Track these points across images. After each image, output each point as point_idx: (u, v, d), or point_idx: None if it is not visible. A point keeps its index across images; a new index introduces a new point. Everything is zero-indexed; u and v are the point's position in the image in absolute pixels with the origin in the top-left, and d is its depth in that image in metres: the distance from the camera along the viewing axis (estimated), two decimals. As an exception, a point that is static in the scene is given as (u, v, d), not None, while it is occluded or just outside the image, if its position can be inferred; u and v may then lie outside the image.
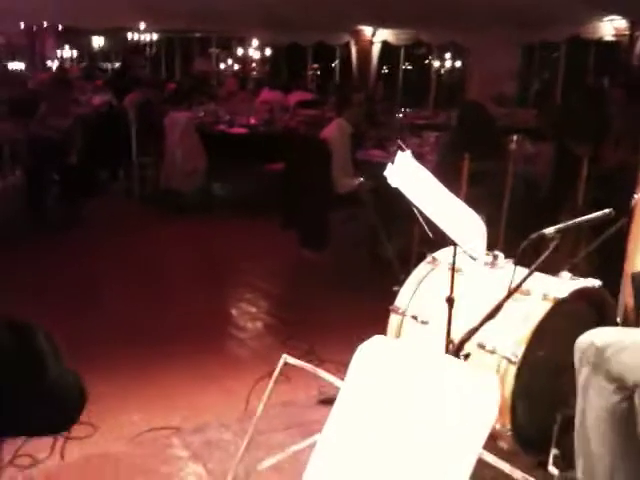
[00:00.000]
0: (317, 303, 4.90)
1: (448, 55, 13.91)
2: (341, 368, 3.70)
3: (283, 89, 11.36)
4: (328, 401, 3.29)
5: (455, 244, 2.45)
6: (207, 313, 4.74)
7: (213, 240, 6.56)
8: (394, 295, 3.14)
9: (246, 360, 4.00)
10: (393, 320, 3.07)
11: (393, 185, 2.42)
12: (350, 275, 5.45)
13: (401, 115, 9.60)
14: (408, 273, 3.21)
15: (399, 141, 4.25)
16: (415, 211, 2.36)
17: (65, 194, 6.62)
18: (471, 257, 2.36)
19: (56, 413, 0.88)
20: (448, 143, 5.06)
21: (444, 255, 3.07)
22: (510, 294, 2.14)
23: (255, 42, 14.30)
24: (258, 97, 10.39)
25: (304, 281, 5.55)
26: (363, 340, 3.98)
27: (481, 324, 2.13)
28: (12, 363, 0.81)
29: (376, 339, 1.62)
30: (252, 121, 8.22)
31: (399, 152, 2.63)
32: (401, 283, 3.16)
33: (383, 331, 3.42)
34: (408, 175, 2.48)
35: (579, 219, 2.10)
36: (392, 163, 2.45)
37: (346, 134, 5.54)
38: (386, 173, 2.44)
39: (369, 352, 1.39)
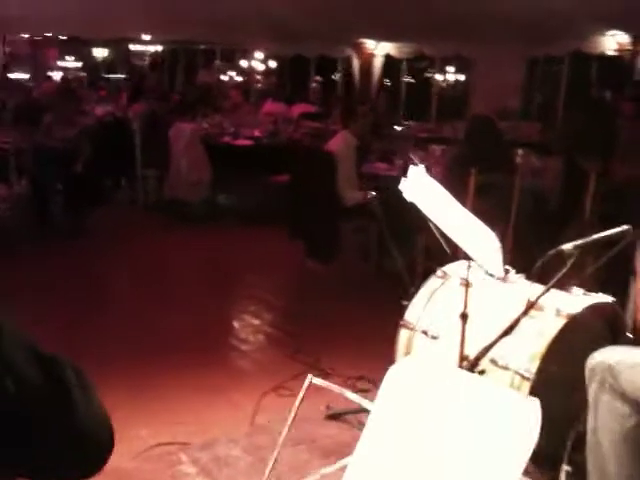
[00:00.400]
0: (323, 315, 4.87)
1: (451, 69, 13.93)
2: (348, 382, 3.70)
3: (286, 101, 11.38)
4: (336, 417, 3.26)
5: (470, 259, 2.44)
6: (212, 324, 4.72)
7: (218, 251, 6.54)
8: (401, 308, 3.12)
9: (252, 373, 3.98)
10: (403, 335, 3.05)
11: (408, 200, 2.41)
12: (356, 287, 5.42)
13: (404, 128, 9.62)
14: (416, 287, 3.19)
15: (411, 155, 4.26)
16: (431, 225, 2.35)
17: (70, 203, 6.61)
18: (488, 273, 2.34)
19: (85, 455, 0.83)
20: (456, 156, 5.05)
21: (454, 269, 3.05)
22: (528, 310, 2.12)
23: (258, 54, 14.35)
24: (262, 109, 10.41)
25: (310, 293, 5.53)
26: (371, 353, 3.97)
27: (497, 340, 2.11)
28: (40, 401, 0.77)
29: (407, 361, 1.60)
30: (257, 133, 8.23)
31: (411, 166, 2.63)
32: (410, 297, 3.15)
33: (391, 345, 3.40)
34: (423, 190, 2.47)
35: (597, 235, 2.08)
36: (398, 176, 2.44)
37: (352, 146, 5.54)
38: (401, 187, 2.43)
39: (400, 374, 1.37)
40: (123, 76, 16.07)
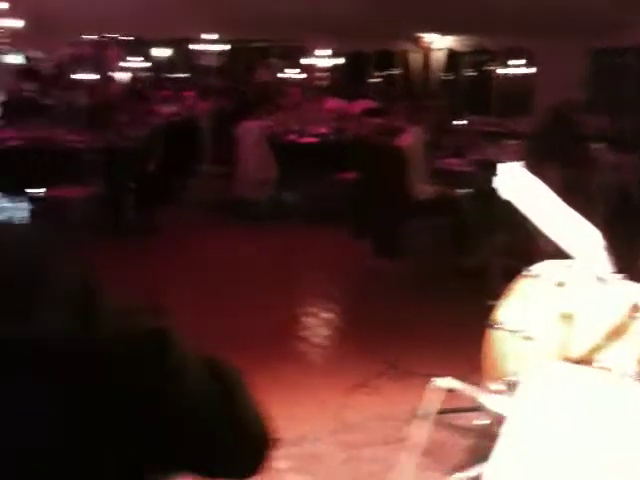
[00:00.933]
0: (396, 314, 4.84)
1: (512, 62, 13.67)
2: (428, 381, 3.66)
3: (347, 97, 11.36)
4: (425, 417, 3.23)
5: (570, 257, 2.40)
6: (284, 322, 4.75)
7: (285, 248, 6.58)
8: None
9: (331, 370, 3.98)
10: (492, 335, 3.01)
11: (503, 197, 2.38)
12: (427, 285, 5.37)
13: (467, 123, 9.48)
14: (501, 286, 3.15)
15: (492, 151, 4.20)
16: (534, 224, 2.31)
17: (141, 202, 6.74)
18: (593, 273, 2.30)
19: (249, 451, 0.85)
20: (533, 151, 4.96)
21: (545, 268, 3.00)
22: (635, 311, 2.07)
23: (317, 51, 14.36)
24: (323, 106, 10.41)
25: (379, 291, 5.49)
26: (452, 353, 3.94)
27: (605, 341, 2.07)
28: (212, 402, 0.79)
29: (550, 364, 1.57)
30: (322, 130, 8.23)
31: (501, 164, 2.59)
32: (497, 297, 3.10)
33: (472, 345, 3.37)
34: (519, 187, 2.43)
35: None
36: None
37: (422, 142, 5.50)
38: (495, 184, 2.40)
39: (541, 378, 1.35)
40: (185, 75, 16.29)
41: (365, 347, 4.21)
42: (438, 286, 5.24)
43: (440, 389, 2.43)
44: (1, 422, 0.66)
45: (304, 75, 14.98)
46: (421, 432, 3.00)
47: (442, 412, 3.16)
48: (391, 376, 3.79)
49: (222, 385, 0.81)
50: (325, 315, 4.98)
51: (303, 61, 14.99)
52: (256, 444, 0.85)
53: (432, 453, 2.76)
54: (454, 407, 2.81)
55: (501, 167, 2.46)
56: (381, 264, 5.73)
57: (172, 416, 0.74)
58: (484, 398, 2.52)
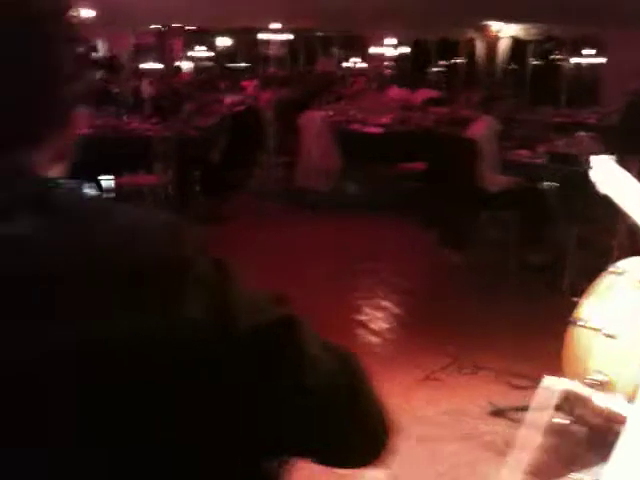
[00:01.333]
0: (461, 306, 4.75)
1: (581, 51, 13.30)
2: (503, 377, 3.59)
3: (409, 87, 11.25)
4: (500, 413, 3.17)
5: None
6: (346, 311, 4.72)
7: (349, 239, 6.54)
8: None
9: (396, 361, 3.92)
10: (573, 332, 2.92)
11: (601, 192, 2.28)
12: (495, 278, 5.26)
13: (535, 113, 9.26)
14: (583, 282, 3.06)
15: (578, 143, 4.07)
16: (633, 219, 2.21)
17: (206, 191, 6.80)
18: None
19: (370, 441, 0.83)
20: (612, 143, 4.79)
21: (630, 265, 2.89)
22: None
23: (380, 40, 14.24)
24: (386, 95, 10.33)
25: (446, 283, 5.42)
26: (517, 348, 3.84)
27: None
28: (336, 391, 0.77)
29: None
30: (385, 120, 8.16)
31: (593, 156, 2.49)
32: (579, 293, 3.02)
33: (544, 341, 3.29)
34: (615, 181, 2.33)
35: None
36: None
37: (495, 132, 5.37)
38: (592, 178, 2.31)
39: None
40: (247, 65, 16.39)
41: (430, 340, 4.15)
42: (506, 280, 5.13)
43: (552, 389, 2.35)
44: (143, 416, 0.64)
45: (365, 64, 14.89)
46: (493, 429, 2.94)
47: (519, 409, 3.10)
48: (457, 370, 3.72)
49: (349, 374, 0.79)
50: (389, 306, 4.93)
51: (365, 50, 14.90)
52: (378, 436, 0.83)
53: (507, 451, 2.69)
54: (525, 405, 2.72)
55: (594, 160, 2.36)
56: (449, 256, 5.64)
57: (303, 405, 0.73)
58: (604, 399, 2.43)
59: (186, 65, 14.99)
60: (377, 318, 4.75)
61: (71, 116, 0.72)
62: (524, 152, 5.76)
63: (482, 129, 5.35)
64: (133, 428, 0.64)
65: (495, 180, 5.18)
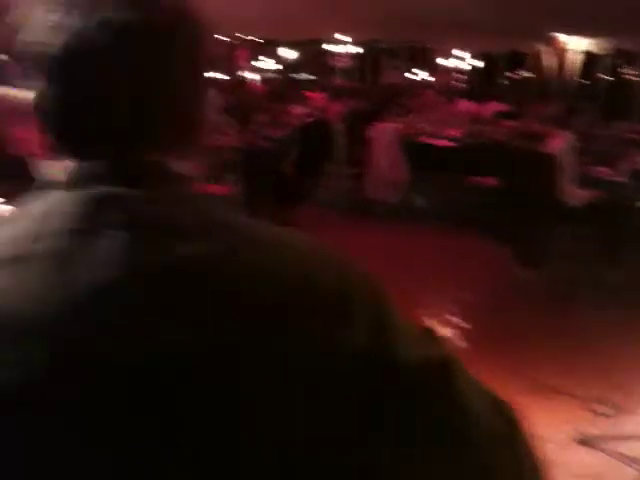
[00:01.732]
0: (536, 325, 4.62)
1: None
2: (585, 402, 3.46)
3: (477, 99, 11.12)
4: (588, 443, 3.05)
5: None
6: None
7: (416, 252, 6.46)
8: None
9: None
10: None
11: None
12: (572, 296, 5.11)
13: (611, 129, 9.00)
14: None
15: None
16: None
17: (278, 202, 6.83)
18: None
19: None
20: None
21: None
22: None
23: (447, 52, 14.14)
24: (455, 108, 10.23)
25: (520, 300, 5.28)
26: (594, 370, 3.70)
27: None
28: (502, 448, 0.72)
29: None
30: (455, 133, 8.07)
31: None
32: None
33: (616, 360, 3.16)
34: None
35: None
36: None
37: (573, 147, 5.25)
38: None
39: None
40: (314, 77, 16.48)
41: (503, 360, 4.03)
42: (584, 298, 4.98)
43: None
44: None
45: (431, 76, 14.81)
46: (579, 458, 2.82)
47: (609, 438, 2.98)
48: (536, 393, 3.61)
49: (506, 424, 0.74)
50: (459, 324, 4.84)
51: (431, 62, 14.81)
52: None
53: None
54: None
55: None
56: (522, 272, 5.51)
57: (455, 447, 0.67)
58: None
59: (251, 76, 15.15)
60: (446, 337, 4.66)
61: (206, 126, 0.74)
62: (603, 169, 5.61)
63: (561, 144, 5.23)
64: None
65: (576, 193, 5.05)
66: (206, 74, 0.73)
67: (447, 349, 0.70)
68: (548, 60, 13.53)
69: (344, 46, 14.73)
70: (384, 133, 7.57)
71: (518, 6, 10.32)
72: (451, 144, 7.76)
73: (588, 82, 13.60)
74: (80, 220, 0.61)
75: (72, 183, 0.64)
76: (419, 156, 7.54)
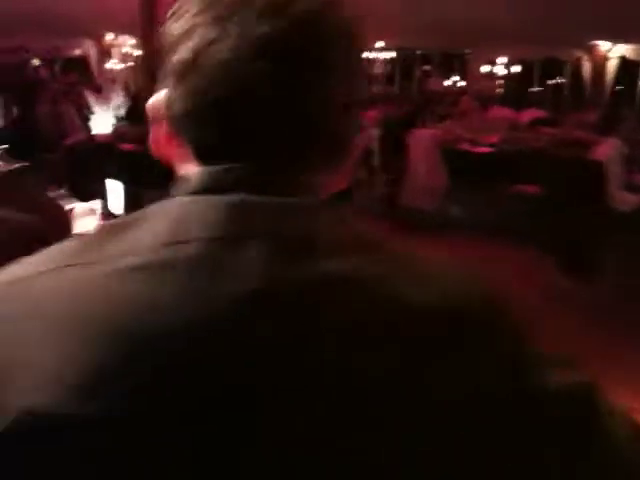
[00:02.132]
0: (585, 340, 4.47)
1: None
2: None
3: (513, 106, 10.98)
4: None
5: None
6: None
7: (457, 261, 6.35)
8: None
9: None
10: None
11: None
12: (623, 309, 4.95)
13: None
14: None
15: None
16: None
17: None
18: None
19: None
20: None
21: None
22: None
23: (482, 58, 14.04)
24: (491, 114, 10.10)
25: (567, 313, 5.14)
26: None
27: None
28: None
29: None
30: (493, 139, 7.96)
31: None
32: None
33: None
34: None
35: None
36: None
37: (622, 155, 5.13)
38: None
39: None
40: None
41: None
42: (636, 311, 4.83)
43: None
44: None
45: (465, 83, 14.70)
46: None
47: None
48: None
49: None
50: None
51: (466, 69, 14.72)
52: None
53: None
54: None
55: None
56: (570, 284, 5.35)
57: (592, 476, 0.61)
58: None
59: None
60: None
61: (354, 140, 0.70)
62: (647, 177, 5.48)
63: (609, 151, 5.11)
64: None
65: (626, 199, 4.94)
66: (359, 90, 0.69)
67: (591, 376, 0.65)
68: (586, 67, 13.38)
69: (379, 52, 14.70)
70: (423, 139, 7.49)
71: (556, 13, 10.21)
72: (490, 150, 7.65)
73: (626, 88, 13.41)
74: (222, 228, 0.56)
75: (207, 189, 0.60)
76: (457, 163, 7.45)
